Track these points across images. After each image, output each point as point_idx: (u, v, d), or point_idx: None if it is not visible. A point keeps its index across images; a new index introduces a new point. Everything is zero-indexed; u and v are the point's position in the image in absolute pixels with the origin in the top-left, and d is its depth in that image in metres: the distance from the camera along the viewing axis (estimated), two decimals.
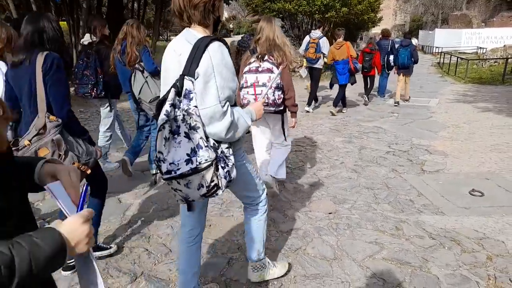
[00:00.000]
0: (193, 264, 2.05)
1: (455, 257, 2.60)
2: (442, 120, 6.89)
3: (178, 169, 1.57)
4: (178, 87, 1.60)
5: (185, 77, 1.59)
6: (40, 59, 2.05)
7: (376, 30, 23.25)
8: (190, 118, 1.58)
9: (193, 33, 1.67)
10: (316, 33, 7.47)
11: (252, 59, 3.06)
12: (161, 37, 26.70)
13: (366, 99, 8.58)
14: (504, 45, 18.98)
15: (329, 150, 5.16)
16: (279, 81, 3.00)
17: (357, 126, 6.54)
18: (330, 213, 3.27)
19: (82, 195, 0.90)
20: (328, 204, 3.46)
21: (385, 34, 8.95)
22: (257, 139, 3.54)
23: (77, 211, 0.86)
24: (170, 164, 1.58)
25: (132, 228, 3.00)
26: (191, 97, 1.58)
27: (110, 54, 3.79)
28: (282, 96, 3.05)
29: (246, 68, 3.04)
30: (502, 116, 7.03)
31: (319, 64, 7.38)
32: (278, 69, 2.73)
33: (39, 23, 2.12)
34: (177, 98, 1.60)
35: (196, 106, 1.59)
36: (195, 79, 1.58)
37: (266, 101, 2.93)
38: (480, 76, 13.50)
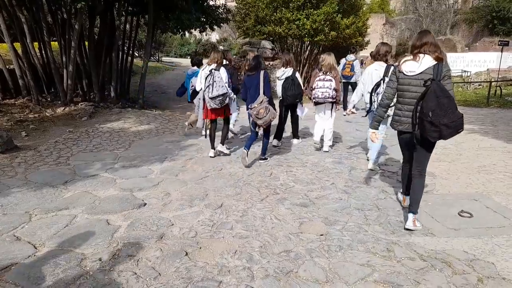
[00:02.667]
0: None
1: (446, 279, 2.60)
2: None
3: None
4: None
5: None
6: (261, 73, 5.12)
7: (364, 54, 23.82)
8: None
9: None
10: (351, 57, 9.81)
11: (320, 74, 5.74)
12: (152, 58, 26.90)
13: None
14: (488, 69, 19.58)
15: (320, 170, 5.18)
16: (334, 86, 5.68)
17: (346, 147, 6.60)
18: (321, 235, 3.26)
19: None
20: (319, 226, 3.45)
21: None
22: (320, 115, 6.08)
23: None
24: None
25: (120, 251, 2.94)
26: None
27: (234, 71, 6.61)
28: (335, 93, 5.72)
29: (317, 79, 5.74)
30: (488, 138, 7.17)
31: (353, 79, 9.60)
32: (334, 80, 5.67)
33: (259, 59, 5.32)
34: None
35: None
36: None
37: (325, 95, 5.68)
38: (465, 98, 13.84)
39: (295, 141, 6.78)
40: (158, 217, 3.58)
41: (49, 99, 10.05)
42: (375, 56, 5.06)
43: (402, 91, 3.38)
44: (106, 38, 10.99)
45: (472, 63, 23.35)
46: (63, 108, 9.02)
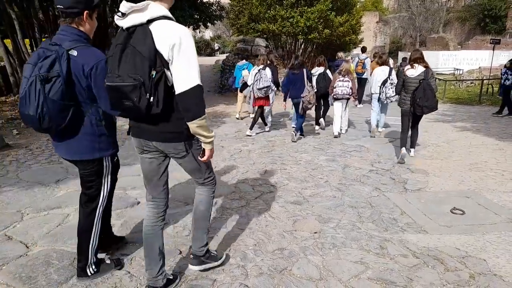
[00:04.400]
0: None
1: (438, 276, 2.62)
2: (422, 139, 7.05)
3: None
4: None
5: None
6: (304, 71, 6.67)
7: (357, 51, 23.88)
8: None
9: None
10: (363, 55, 11.56)
11: (339, 76, 7.13)
12: None
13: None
14: (479, 67, 19.74)
15: (314, 168, 5.19)
16: (351, 85, 7.12)
17: (340, 144, 6.63)
18: (315, 233, 3.27)
19: None
20: (313, 223, 3.46)
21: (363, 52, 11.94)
22: (337, 109, 7.34)
23: None
24: None
25: (114, 250, 2.92)
26: None
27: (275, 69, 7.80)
28: (351, 91, 7.15)
29: (338, 79, 7.12)
30: (480, 136, 7.25)
31: (365, 75, 11.12)
32: (350, 81, 7.11)
33: (299, 60, 7.04)
34: None
35: None
36: None
37: (344, 92, 7.10)
38: (457, 96, 13.96)
39: (316, 127, 8.13)
40: None
41: None
42: (381, 62, 7.66)
43: (406, 86, 5.46)
44: (99, 34, 10.89)
45: (464, 61, 23.54)
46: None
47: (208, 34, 47.26)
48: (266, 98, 7.19)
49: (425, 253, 2.93)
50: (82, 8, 2.19)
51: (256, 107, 7.34)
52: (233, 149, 6.17)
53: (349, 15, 16.93)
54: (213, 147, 2.19)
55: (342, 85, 7.10)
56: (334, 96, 7.24)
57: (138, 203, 3.88)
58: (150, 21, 1.92)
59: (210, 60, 25.85)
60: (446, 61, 23.79)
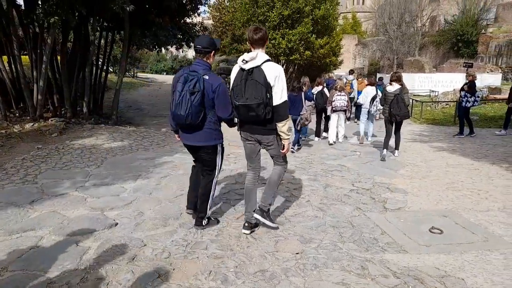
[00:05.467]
0: None
1: None
2: (401, 159, 7.21)
3: None
4: None
5: None
6: (302, 93, 7.64)
7: (338, 72, 24.46)
8: None
9: None
10: (350, 77, 12.84)
11: (336, 91, 8.39)
12: (127, 73, 26.60)
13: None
14: (454, 89, 20.49)
15: (295, 188, 5.21)
16: (347, 99, 8.46)
17: (321, 164, 6.69)
18: (297, 253, 3.25)
19: None
20: (295, 244, 3.44)
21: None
22: (333, 120, 8.70)
23: None
24: None
25: (89, 274, 2.82)
26: None
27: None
28: (347, 104, 8.46)
29: (335, 95, 8.39)
30: (456, 156, 7.46)
31: (352, 95, 11.76)
32: (346, 96, 8.50)
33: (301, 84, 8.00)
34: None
35: None
36: None
37: (342, 105, 8.40)
38: (434, 117, 14.40)
39: (316, 138, 9.32)
40: (130, 238, 3.47)
41: (17, 114, 9.72)
42: (369, 82, 9.24)
43: (386, 99, 7.06)
44: (80, 53, 10.81)
45: (439, 83, 24.39)
46: (32, 124, 8.73)
47: (191, 53, 47.58)
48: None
49: (406, 273, 2.95)
50: (212, 49, 3.44)
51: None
52: None
53: (329, 38, 17.44)
54: (289, 143, 3.55)
55: (340, 99, 8.41)
56: (333, 109, 8.44)
57: (116, 224, 3.78)
58: (261, 64, 3.18)
59: None
60: (422, 83, 24.60)
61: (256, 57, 3.19)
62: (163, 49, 13.81)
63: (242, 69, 3.24)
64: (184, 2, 11.71)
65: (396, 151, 7.32)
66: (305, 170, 6.21)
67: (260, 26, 3.46)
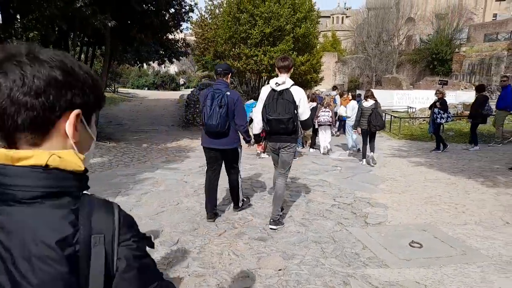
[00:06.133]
0: None
1: None
2: (380, 173, 7.33)
3: None
4: None
5: None
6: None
7: (318, 88, 24.89)
8: None
9: None
10: (333, 92, 14.28)
11: (322, 107, 9.70)
12: (108, 88, 26.34)
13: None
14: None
15: None
16: (331, 115, 9.70)
17: (303, 179, 6.73)
18: (279, 270, 3.23)
19: None
20: (277, 260, 3.43)
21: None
22: (321, 133, 9.63)
23: None
24: None
25: None
26: None
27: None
28: (331, 119, 9.62)
29: (321, 110, 9.61)
30: (433, 170, 7.64)
31: (335, 109, 12.49)
32: (330, 112, 9.81)
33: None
34: None
35: None
36: None
37: (326, 120, 9.50)
38: (411, 133, 14.76)
39: (311, 150, 10.25)
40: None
41: None
42: (352, 97, 10.65)
43: (363, 113, 7.97)
44: None
45: (416, 100, 25.10)
46: None
47: (173, 69, 47.63)
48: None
49: (387, 287, 2.97)
50: (229, 72, 4.33)
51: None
52: (197, 184, 6.08)
53: (310, 55, 17.80)
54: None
55: (324, 115, 9.52)
56: (319, 123, 9.43)
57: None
58: (290, 87, 3.99)
59: (175, 95, 25.90)
60: (400, 99, 25.28)
61: (286, 82, 4.00)
62: (145, 64, 13.79)
63: (273, 90, 4.00)
64: (166, 19, 11.79)
65: (372, 153, 8.27)
66: (287, 185, 6.21)
67: (286, 56, 4.32)
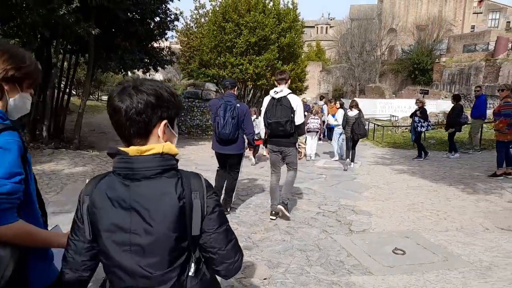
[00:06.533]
0: None
1: None
2: (364, 181, 7.42)
3: None
4: None
5: None
6: None
7: (304, 96, 25.13)
8: None
9: None
10: (321, 102, 14.84)
11: (311, 115, 10.70)
12: (91, 96, 25.99)
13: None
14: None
15: (263, 212, 5.21)
16: (319, 122, 10.72)
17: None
18: (265, 279, 3.22)
19: None
20: (263, 269, 3.41)
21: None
22: (309, 139, 10.08)
23: None
24: None
25: None
26: None
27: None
28: (319, 126, 10.63)
29: (310, 118, 10.34)
30: (416, 178, 7.78)
31: (323, 118, 12.72)
32: (319, 119, 10.83)
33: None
34: None
35: None
36: None
37: (314, 127, 10.31)
38: (394, 141, 15.01)
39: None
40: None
41: None
42: (339, 106, 10.06)
43: (347, 122, 8.74)
44: (44, 74, 10.47)
45: (399, 108, 25.61)
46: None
47: (158, 77, 47.32)
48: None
49: None
50: (235, 85, 5.05)
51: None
52: None
53: (295, 64, 17.99)
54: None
55: (313, 122, 10.30)
56: (308, 130, 9.79)
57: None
58: (287, 95, 4.52)
59: None
60: (383, 108, 25.76)
61: (283, 91, 4.58)
62: (129, 72, 13.69)
63: (273, 98, 4.57)
64: (151, 27, 11.75)
65: (352, 163, 8.98)
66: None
67: (284, 70, 5.19)
